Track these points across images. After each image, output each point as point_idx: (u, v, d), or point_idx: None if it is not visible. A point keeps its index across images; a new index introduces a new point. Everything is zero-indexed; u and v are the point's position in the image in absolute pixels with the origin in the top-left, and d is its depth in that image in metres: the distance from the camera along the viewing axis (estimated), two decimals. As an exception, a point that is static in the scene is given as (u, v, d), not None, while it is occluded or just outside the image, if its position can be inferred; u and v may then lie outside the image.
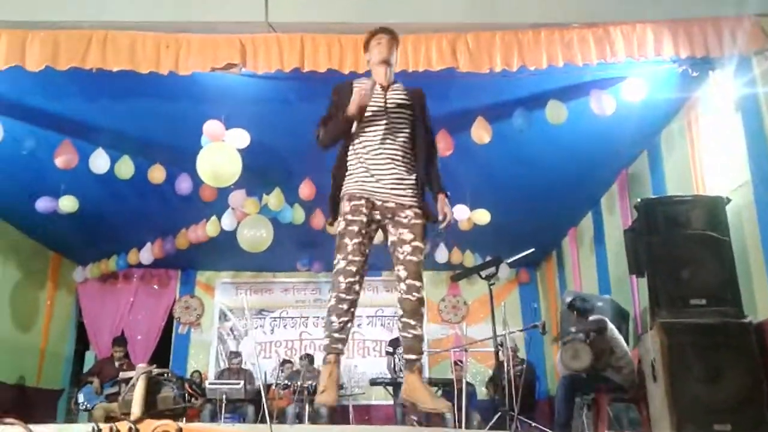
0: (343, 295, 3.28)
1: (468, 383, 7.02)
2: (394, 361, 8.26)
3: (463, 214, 7.22)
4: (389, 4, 4.71)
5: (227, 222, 7.49)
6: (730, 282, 4.22)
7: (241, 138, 5.67)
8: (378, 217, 3.39)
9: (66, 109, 5.67)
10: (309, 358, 8.83)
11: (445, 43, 4.52)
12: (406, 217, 3.35)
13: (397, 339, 8.45)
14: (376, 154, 3.38)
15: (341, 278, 3.28)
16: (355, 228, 3.31)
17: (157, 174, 6.49)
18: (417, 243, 3.33)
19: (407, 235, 3.33)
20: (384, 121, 3.40)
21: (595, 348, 5.40)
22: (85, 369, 9.75)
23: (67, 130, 5.92)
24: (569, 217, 8.47)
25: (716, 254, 4.25)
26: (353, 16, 4.66)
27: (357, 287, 3.32)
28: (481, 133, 5.55)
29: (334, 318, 3.29)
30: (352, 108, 3.31)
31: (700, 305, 4.16)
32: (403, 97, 3.48)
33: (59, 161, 5.90)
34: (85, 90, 5.32)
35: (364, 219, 3.33)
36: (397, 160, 3.39)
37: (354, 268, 3.29)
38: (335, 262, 3.35)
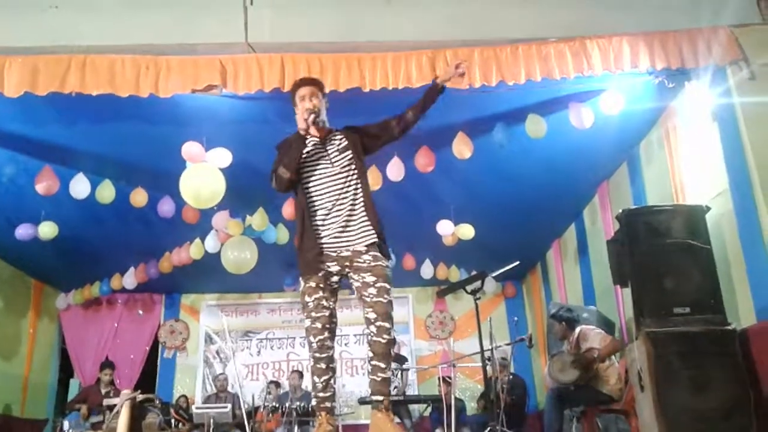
0: (317, 355, 3.31)
1: (457, 399, 7.00)
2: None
3: (447, 230, 7.24)
4: (368, 23, 4.74)
5: (211, 244, 7.45)
6: (712, 289, 4.25)
7: (223, 157, 5.65)
8: (336, 268, 3.38)
9: (46, 134, 5.63)
10: (299, 374, 8.77)
11: (424, 60, 4.55)
12: (364, 262, 3.34)
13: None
14: (324, 206, 3.41)
15: (311, 338, 3.31)
16: (313, 284, 3.34)
17: (138, 197, 6.45)
18: (381, 284, 3.30)
19: (369, 278, 3.31)
20: (327, 172, 3.45)
21: (583, 360, 5.42)
22: (70, 397, 9.61)
23: (47, 155, 5.88)
24: (553, 229, 8.52)
25: (698, 262, 4.29)
26: (333, 35, 4.69)
27: (329, 342, 3.33)
28: (461, 148, 5.58)
29: (316, 378, 3.34)
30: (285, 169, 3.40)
31: (684, 313, 4.17)
32: (340, 141, 3.52)
33: (40, 188, 5.85)
34: (65, 115, 5.30)
35: (320, 273, 3.34)
36: (347, 207, 3.39)
37: (319, 325, 3.30)
38: (303, 321, 3.39)
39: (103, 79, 4.36)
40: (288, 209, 6.84)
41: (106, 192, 6.24)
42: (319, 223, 3.41)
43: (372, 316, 3.28)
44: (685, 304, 4.20)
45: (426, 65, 4.54)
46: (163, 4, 4.67)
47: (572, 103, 5.27)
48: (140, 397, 3.59)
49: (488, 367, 5.46)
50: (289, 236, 7.60)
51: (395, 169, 5.92)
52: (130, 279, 8.74)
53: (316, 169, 3.47)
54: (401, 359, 8.57)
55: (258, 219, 7.10)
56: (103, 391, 7.84)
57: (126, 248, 8.25)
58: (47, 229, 6.72)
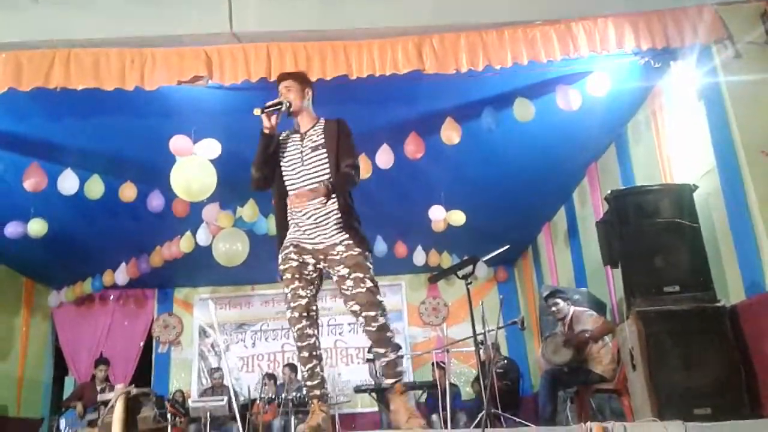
0: (299, 344, 3.36)
1: (452, 384, 7.03)
2: (375, 367, 8.25)
3: (439, 215, 7.26)
4: (353, 10, 4.72)
5: (202, 237, 7.44)
6: (701, 267, 4.28)
7: (212, 148, 5.62)
8: (311, 260, 3.42)
9: (32, 130, 5.60)
10: (292, 367, 8.79)
11: (410, 46, 4.54)
12: (337, 254, 3.36)
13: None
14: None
15: (293, 328, 3.36)
16: (289, 275, 3.38)
17: (128, 192, 6.42)
18: (356, 274, 3.32)
19: (343, 270, 3.34)
20: (300, 170, 3.45)
21: (576, 341, 5.46)
22: (65, 395, 9.59)
23: (34, 152, 5.84)
24: (543, 212, 8.56)
25: (687, 241, 4.32)
26: (318, 23, 4.67)
27: (308, 330, 3.36)
28: (450, 133, 5.58)
29: (302, 367, 3.39)
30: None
31: (674, 292, 4.21)
32: (316, 138, 3.49)
33: (28, 184, 5.81)
34: (51, 110, 5.27)
35: (294, 264, 3.38)
36: (320, 204, 3.37)
37: (297, 314, 3.34)
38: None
39: (87, 73, 4.34)
40: (278, 200, 6.83)
41: (95, 187, 6.21)
42: (294, 217, 3.45)
43: (356, 308, 3.34)
44: (674, 282, 4.24)
45: (412, 51, 4.54)
46: (146, -4, 4.64)
47: (559, 86, 5.27)
48: (135, 391, 3.58)
49: (481, 352, 5.49)
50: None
51: (384, 157, 5.92)
52: (121, 275, 8.71)
53: (289, 166, 3.49)
54: (395, 347, 8.58)
55: (248, 210, 7.09)
56: (99, 388, 7.84)
57: (117, 244, 8.22)
58: (37, 227, 6.68)
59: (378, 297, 3.37)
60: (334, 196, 3.36)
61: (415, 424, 3.24)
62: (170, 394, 9.20)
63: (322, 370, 3.41)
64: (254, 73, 4.44)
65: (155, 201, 6.64)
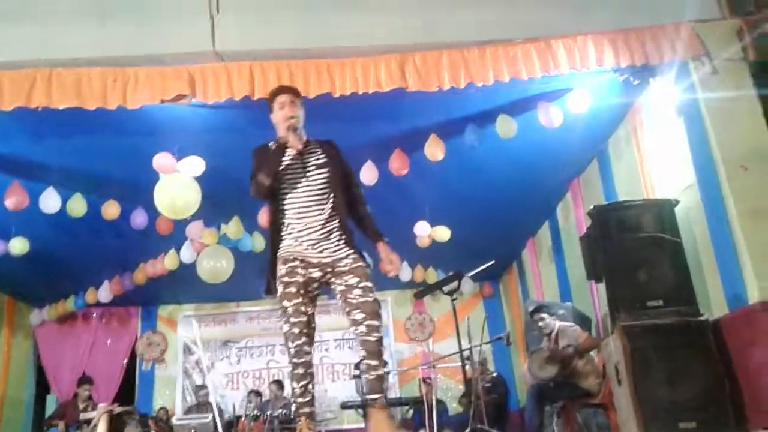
0: (295, 360, 3.31)
1: (439, 400, 7.02)
2: (361, 383, 8.21)
3: (424, 231, 7.27)
4: (336, 29, 4.74)
5: (186, 254, 7.40)
6: (684, 281, 4.32)
7: (195, 166, 5.61)
8: (318, 274, 3.40)
9: (13, 149, 5.55)
10: (278, 384, 8.74)
11: (393, 65, 4.57)
12: (345, 265, 3.37)
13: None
14: (301, 218, 3.41)
15: (289, 344, 3.30)
16: (293, 289, 3.33)
17: (111, 210, 6.38)
18: (366, 283, 3.34)
19: (352, 279, 3.34)
20: (304, 186, 3.45)
21: (561, 356, 5.47)
22: (47, 413, 9.46)
23: (16, 170, 5.79)
24: (527, 227, 8.59)
25: (669, 255, 4.36)
26: (301, 41, 4.68)
27: (306, 348, 3.32)
28: (434, 150, 5.60)
29: (294, 384, 3.34)
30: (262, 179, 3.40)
31: (658, 306, 4.24)
32: (318, 156, 3.52)
33: (9, 203, 5.76)
34: (33, 129, 5.23)
35: (301, 279, 3.35)
36: (323, 220, 3.40)
37: (297, 330, 3.29)
38: (281, 327, 3.38)
39: (69, 92, 4.32)
40: (263, 217, 6.80)
41: (77, 205, 6.17)
42: (295, 233, 3.42)
43: (360, 316, 3.30)
44: (658, 296, 4.27)
45: (395, 69, 4.57)
46: (128, 16, 4.63)
47: (541, 103, 5.32)
48: (118, 409, 3.56)
49: (467, 367, 5.49)
50: (264, 244, 7.57)
51: (369, 174, 5.93)
52: (105, 292, 8.63)
53: (292, 182, 3.47)
54: (385, 363, 8.55)
55: (233, 227, 7.07)
56: (81, 407, 7.74)
57: (100, 261, 8.14)
58: (18, 245, 6.62)
59: (380, 311, 3.38)
60: (334, 214, 3.42)
61: None
62: (154, 411, 9.11)
63: (313, 388, 3.37)
64: (237, 91, 4.44)
65: (139, 218, 6.60)
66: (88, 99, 4.33)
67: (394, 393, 9.28)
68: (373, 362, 3.33)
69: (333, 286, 3.44)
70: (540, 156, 6.13)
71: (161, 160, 5.47)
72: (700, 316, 4.21)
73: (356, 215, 3.57)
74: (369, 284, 3.35)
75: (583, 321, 6.44)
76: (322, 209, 3.43)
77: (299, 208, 3.43)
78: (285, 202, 3.47)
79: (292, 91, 3.64)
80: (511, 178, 6.60)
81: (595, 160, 6.51)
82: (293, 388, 3.35)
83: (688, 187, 4.75)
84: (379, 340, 3.33)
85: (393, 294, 10.58)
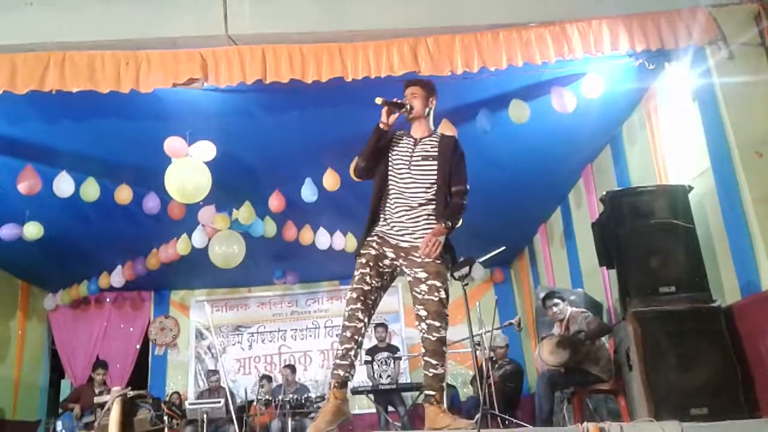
0: (346, 323, 3.38)
1: (449, 385, 7.03)
2: (372, 368, 8.27)
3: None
4: (349, 12, 4.72)
5: (198, 239, 7.43)
6: (697, 268, 4.30)
7: (207, 150, 5.62)
8: (391, 255, 3.48)
9: (27, 133, 5.58)
10: (291, 368, 8.79)
11: (406, 48, 4.54)
12: (419, 257, 3.40)
13: (374, 347, 8.45)
14: (395, 201, 3.53)
15: (346, 306, 3.39)
16: (363, 260, 3.46)
17: (123, 194, 6.42)
18: (432, 281, 3.37)
19: (422, 274, 3.39)
20: (406, 173, 3.56)
21: (571, 342, 5.46)
22: (62, 398, 9.58)
23: (29, 154, 5.83)
24: (539, 213, 8.56)
25: (682, 241, 4.34)
26: (313, 25, 4.67)
27: (360, 314, 3.37)
28: (446, 135, 5.57)
29: (338, 345, 3.41)
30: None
31: (670, 292, 4.23)
32: (430, 149, 3.62)
33: (22, 187, 5.81)
34: (46, 113, 5.26)
35: (373, 252, 3.47)
36: (416, 208, 3.50)
37: (355, 295, 3.38)
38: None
39: (82, 75, 4.33)
40: (274, 202, 6.82)
41: (90, 190, 6.20)
42: (387, 211, 3.55)
43: (423, 313, 3.37)
44: (670, 283, 4.26)
45: (408, 53, 4.54)
46: (141, -1, 4.64)
47: (554, 88, 5.28)
48: (131, 393, 3.59)
49: (478, 353, 5.49)
50: (276, 229, 7.59)
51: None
52: (117, 277, 8.70)
53: (399, 166, 3.59)
54: (393, 349, 8.61)
55: (245, 212, 7.08)
56: (97, 391, 7.84)
57: (113, 246, 8.21)
58: (32, 229, 6.68)
59: (445, 310, 3.41)
60: (426, 205, 3.51)
61: (463, 424, 3.26)
62: (167, 396, 9.19)
63: (356, 356, 3.40)
64: (249, 75, 4.43)
65: (151, 203, 6.63)
66: (101, 82, 4.34)
67: (405, 378, 9.32)
68: (432, 360, 3.39)
69: (405, 274, 3.50)
70: (553, 141, 6.10)
71: (173, 144, 5.48)
72: (713, 303, 4.19)
73: (445, 203, 3.57)
74: (438, 283, 3.37)
75: (595, 307, 6.42)
76: (416, 197, 3.51)
77: (396, 192, 3.54)
78: (390, 184, 3.58)
79: (417, 84, 3.75)
80: (524, 164, 6.57)
81: (608, 145, 6.47)
82: (337, 349, 3.42)
83: (702, 173, 4.72)
84: (440, 340, 3.37)
85: (403, 280, 10.52)
